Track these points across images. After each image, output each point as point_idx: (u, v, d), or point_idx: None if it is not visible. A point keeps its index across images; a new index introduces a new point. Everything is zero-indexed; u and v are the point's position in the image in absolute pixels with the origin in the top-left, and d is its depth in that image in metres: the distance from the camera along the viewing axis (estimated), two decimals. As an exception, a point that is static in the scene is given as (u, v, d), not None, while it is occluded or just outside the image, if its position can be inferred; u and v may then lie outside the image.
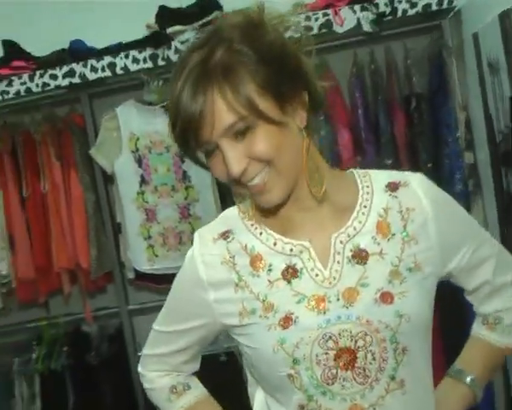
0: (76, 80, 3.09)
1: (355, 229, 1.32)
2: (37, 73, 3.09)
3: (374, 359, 1.25)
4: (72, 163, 3.27)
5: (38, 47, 3.23)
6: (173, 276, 3.59)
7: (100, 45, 3.18)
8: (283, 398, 1.32)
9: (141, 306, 3.44)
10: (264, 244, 1.34)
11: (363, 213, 1.33)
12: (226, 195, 3.22)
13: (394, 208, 1.34)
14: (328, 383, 1.26)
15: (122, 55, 3.05)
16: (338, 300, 1.27)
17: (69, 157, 3.28)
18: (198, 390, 1.59)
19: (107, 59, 3.06)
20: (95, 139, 3.23)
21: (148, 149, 3.19)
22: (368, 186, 1.36)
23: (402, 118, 3.17)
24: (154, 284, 3.33)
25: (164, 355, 1.54)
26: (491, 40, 2.49)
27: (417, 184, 1.36)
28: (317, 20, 2.93)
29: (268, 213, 1.35)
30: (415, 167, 3.08)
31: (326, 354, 1.25)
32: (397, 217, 1.33)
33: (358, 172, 1.40)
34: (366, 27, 2.91)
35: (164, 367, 1.56)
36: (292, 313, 1.27)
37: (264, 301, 1.30)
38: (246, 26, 1.21)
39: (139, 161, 3.20)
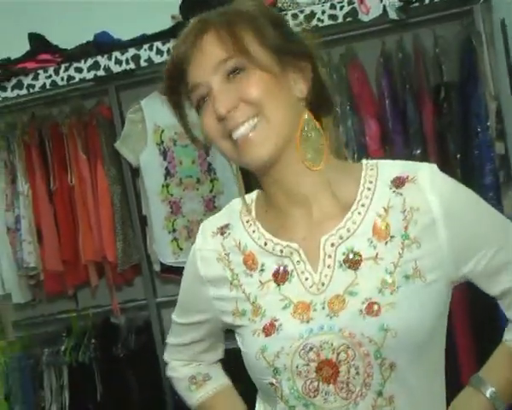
0: (101, 73, 3.08)
1: (348, 230, 1.23)
2: (63, 66, 3.10)
3: (358, 373, 1.16)
4: (99, 156, 3.28)
5: (65, 40, 3.25)
6: None
7: (126, 37, 3.18)
8: (271, 404, 1.29)
9: (168, 298, 3.43)
10: (255, 243, 1.29)
11: (359, 213, 1.23)
12: (252, 186, 3.19)
13: (397, 207, 1.22)
14: (310, 396, 1.19)
15: (146, 46, 3.03)
16: (323, 308, 1.19)
17: (96, 150, 3.29)
18: (218, 381, 1.57)
19: (132, 51, 3.05)
20: (122, 132, 3.23)
21: (172, 141, 3.17)
22: (371, 181, 1.25)
23: (430, 108, 3.09)
24: (179, 277, 3.30)
25: (182, 345, 1.54)
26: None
27: (425, 179, 1.22)
28: (342, 8, 2.87)
29: (264, 204, 1.32)
30: (443, 158, 3.02)
31: (307, 365, 1.18)
32: (399, 217, 1.21)
33: (368, 164, 1.29)
34: (392, 15, 2.83)
35: (184, 356, 1.56)
36: (276, 320, 1.22)
37: (253, 303, 1.27)
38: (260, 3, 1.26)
39: (164, 154, 3.18)
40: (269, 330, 1.22)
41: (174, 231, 3.21)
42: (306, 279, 1.23)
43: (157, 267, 3.34)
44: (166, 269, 3.30)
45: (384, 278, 1.18)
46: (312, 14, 2.89)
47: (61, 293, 3.44)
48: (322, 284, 1.22)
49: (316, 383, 1.18)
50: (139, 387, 3.36)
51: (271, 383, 1.22)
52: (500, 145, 2.99)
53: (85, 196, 3.27)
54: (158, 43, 3.02)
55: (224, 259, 1.32)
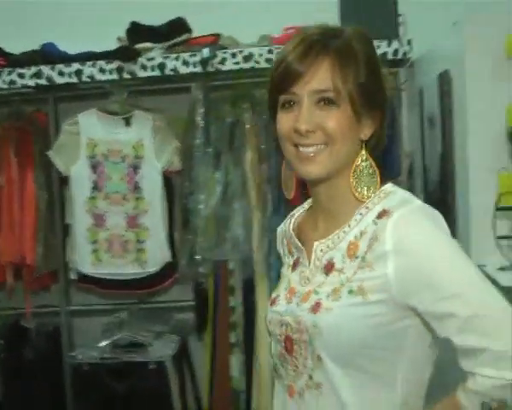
0: (43, 82, 3.19)
1: (333, 243, 1.45)
2: (6, 70, 3.20)
3: (301, 354, 1.43)
4: (30, 161, 3.37)
5: (12, 45, 3.33)
6: (118, 282, 3.66)
7: (71, 51, 3.29)
8: None
9: (81, 307, 3.54)
10: (291, 235, 1.58)
11: (344, 232, 1.43)
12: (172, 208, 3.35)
13: (368, 234, 1.38)
14: (281, 360, 1.49)
15: (90, 63, 3.16)
16: (299, 297, 1.47)
17: (28, 155, 3.38)
18: None
19: (75, 66, 3.17)
20: (55, 141, 3.33)
21: (104, 156, 3.29)
22: (367, 207, 1.41)
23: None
24: (97, 288, 3.42)
25: None
26: (431, 97, 2.65)
27: (395, 216, 1.35)
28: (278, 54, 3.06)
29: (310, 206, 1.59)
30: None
31: (280, 335, 1.48)
32: (366, 242, 1.38)
33: (383, 191, 1.43)
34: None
35: None
36: (278, 296, 1.55)
37: (279, 279, 1.62)
38: (362, 34, 1.44)
39: (94, 168, 3.29)
40: (272, 301, 1.55)
41: (95, 242, 3.31)
42: (302, 272, 1.51)
43: (74, 276, 3.42)
44: (84, 278, 3.40)
45: (336, 287, 1.40)
46: (250, 56, 3.09)
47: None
48: (308, 279, 1.49)
49: (283, 351, 1.48)
50: (41, 392, 3.42)
51: (270, 342, 1.55)
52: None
53: (12, 197, 3.35)
54: (102, 62, 3.16)
55: (282, 239, 1.65)
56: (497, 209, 2.55)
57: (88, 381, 3.31)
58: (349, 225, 1.42)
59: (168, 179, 3.33)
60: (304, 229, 1.57)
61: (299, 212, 1.63)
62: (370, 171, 1.42)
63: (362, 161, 1.42)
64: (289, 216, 1.65)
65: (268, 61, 3.07)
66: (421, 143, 2.86)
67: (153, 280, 3.40)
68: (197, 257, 3.25)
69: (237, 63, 3.11)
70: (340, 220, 1.45)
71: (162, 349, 3.37)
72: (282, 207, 3.15)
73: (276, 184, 3.19)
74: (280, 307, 1.50)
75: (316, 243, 1.47)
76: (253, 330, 3.27)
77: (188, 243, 3.27)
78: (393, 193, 1.42)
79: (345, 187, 1.43)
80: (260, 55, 3.10)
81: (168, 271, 3.38)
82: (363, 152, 1.42)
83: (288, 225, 1.61)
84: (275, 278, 3.04)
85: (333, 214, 1.47)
